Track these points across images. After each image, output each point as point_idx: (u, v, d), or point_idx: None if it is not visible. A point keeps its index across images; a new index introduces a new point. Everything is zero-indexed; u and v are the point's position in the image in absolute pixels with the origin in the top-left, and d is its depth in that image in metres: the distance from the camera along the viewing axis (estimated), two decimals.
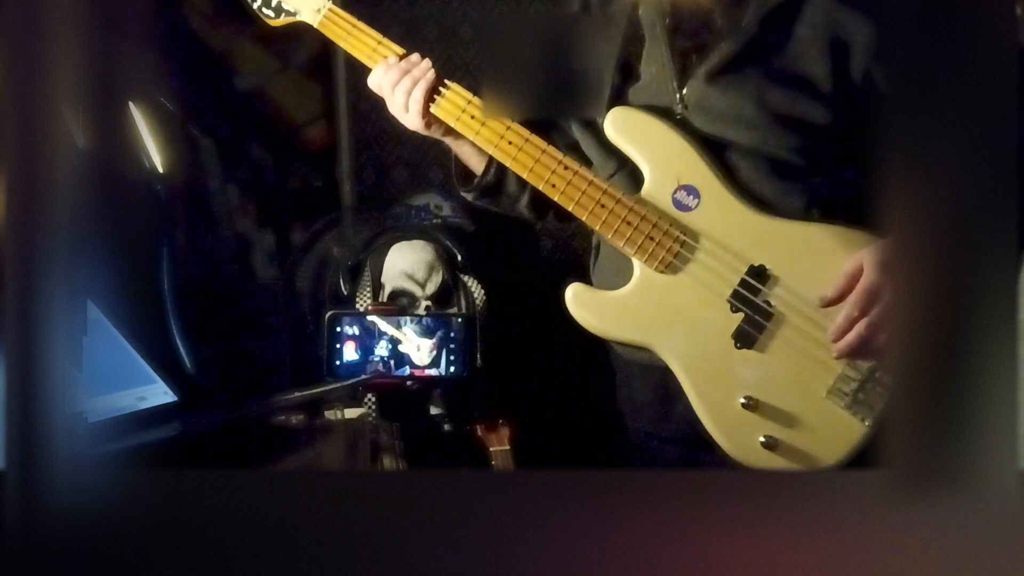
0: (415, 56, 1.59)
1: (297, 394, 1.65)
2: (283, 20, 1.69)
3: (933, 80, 0.58)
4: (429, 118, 1.58)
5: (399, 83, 1.57)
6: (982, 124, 0.58)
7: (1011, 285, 0.58)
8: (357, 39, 1.61)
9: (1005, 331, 0.58)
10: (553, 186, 1.51)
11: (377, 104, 1.64)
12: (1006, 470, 0.58)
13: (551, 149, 1.52)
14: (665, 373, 1.50)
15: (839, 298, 1.41)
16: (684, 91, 1.48)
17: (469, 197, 1.70)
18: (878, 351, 1.40)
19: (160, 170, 1.73)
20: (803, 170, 1.46)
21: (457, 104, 1.56)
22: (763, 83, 1.44)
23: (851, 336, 1.40)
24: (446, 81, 1.58)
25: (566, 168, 1.51)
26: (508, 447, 2.04)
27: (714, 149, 1.48)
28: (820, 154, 1.45)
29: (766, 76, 1.44)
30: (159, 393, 1.47)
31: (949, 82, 0.58)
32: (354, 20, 1.62)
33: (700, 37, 1.48)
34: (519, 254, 2.85)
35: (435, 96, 1.57)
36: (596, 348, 1.62)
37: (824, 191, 1.46)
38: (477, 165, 1.65)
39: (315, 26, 1.63)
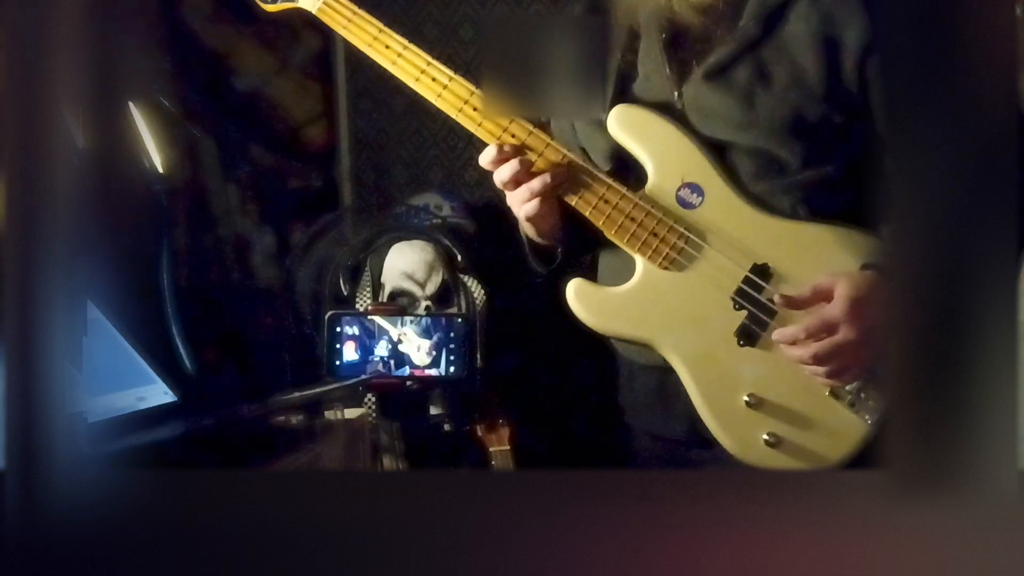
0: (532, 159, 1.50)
1: (297, 394, 1.65)
2: (279, 6, 1.64)
3: (933, 79, 0.58)
4: (548, 226, 1.53)
5: (515, 192, 1.50)
6: (982, 123, 0.58)
7: (1011, 285, 0.58)
8: (357, 26, 1.57)
9: (1005, 331, 0.58)
10: None
11: (377, 104, 1.62)
12: (1006, 470, 0.58)
13: (554, 143, 1.52)
14: (665, 372, 1.50)
15: (799, 305, 1.41)
16: (682, 89, 1.48)
17: (544, 271, 1.65)
18: (816, 374, 1.41)
19: (160, 170, 1.73)
20: (791, 170, 1.46)
21: (460, 96, 1.54)
22: (754, 83, 1.44)
23: (793, 351, 1.41)
24: (449, 73, 1.55)
25: (570, 164, 1.51)
26: (508, 447, 2.04)
27: (713, 148, 1.48)
28: (811, 152, 1.45)
29: (757, 75, 1.44)
30: (159, 393, 1.47)
31: (949, 81, 0.58)
32: (354, 8, 1.58)
33: (694, 37, 1.48)
34: (519, 254, 2.84)
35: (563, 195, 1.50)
36: (596, 348, 1.61)
37: (811, 190, 1.46)
38: (549, 240, 1.60)
39: (313, 12, 1.59)
